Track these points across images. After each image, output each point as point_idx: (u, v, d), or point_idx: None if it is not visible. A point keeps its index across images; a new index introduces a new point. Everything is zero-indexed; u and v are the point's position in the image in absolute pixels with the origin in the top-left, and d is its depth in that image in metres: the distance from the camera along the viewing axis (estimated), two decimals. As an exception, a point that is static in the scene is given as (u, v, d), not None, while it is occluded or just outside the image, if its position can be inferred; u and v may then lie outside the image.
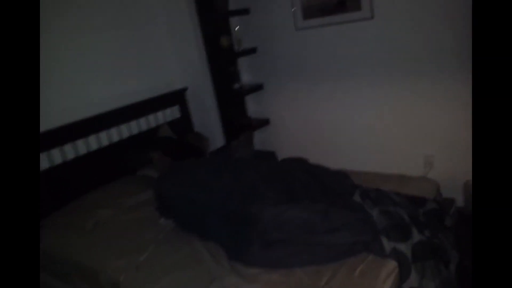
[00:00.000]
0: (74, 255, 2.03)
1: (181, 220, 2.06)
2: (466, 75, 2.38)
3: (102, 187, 2.59)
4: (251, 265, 1.60)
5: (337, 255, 1.53)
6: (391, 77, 2.82)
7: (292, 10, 3.07)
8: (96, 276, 1.86)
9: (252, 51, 3.37)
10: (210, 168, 2.23)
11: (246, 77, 3.63)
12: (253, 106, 3.73)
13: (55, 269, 2.18)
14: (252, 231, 1.67)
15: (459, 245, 1.57)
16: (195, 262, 1.71)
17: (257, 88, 3.52)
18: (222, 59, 3.30)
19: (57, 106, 2.53)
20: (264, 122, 3.65)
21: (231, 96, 3.45)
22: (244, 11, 3.24)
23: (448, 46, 2.50)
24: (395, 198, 1.72)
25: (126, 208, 2.36)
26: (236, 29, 3.34)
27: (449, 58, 2.53)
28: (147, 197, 2.48)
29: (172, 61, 3.34)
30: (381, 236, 1.51)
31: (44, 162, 2.45)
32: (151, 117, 3.13)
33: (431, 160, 2.81)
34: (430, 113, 2.73)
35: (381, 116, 2.96)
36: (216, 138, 3.60)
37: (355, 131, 3.13)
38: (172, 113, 3.30)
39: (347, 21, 2.88)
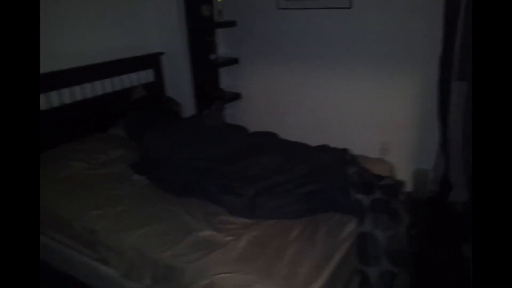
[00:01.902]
0: (47, 204, 2.05)
1: (157, 177, 2.15)
2: (430, 72, 2.64)
3: (75, 141, 2.59)
4: (237, 215, 1.77)
5: (310, 209, 1.73)
6: (361, 65, 3.01)
7: (276, -12, 3.16)
8: (69, 225, 1.92)
9: (232, 23, 3.43)
10: (192, 131, 2.33)
11: (223, 49, 3.69)
12: (226, 79, 3.80)
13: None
14: (237, 186, 1.84)
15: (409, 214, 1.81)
16: (171, 216, 1.82)
17: (232, 61, 3.60)
18: (201, 28, 3.33)
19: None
20: (236, 96, 3.74)
21: (206, 66, 3.50)
22: (229, -17, 3.28)
23: (417, 44, 2.72)
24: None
25: (99, 163, 2.40)
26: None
27: (417, 54, 2.74)
28: (119, 155, 2.53)
29: (151, 24, 3.32)
30: (349, 188, 1.74)
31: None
32: (125, 78, 3.13)
33: (387, 147, 3.06)
34: (392, 103, 2.96)
35: (347, 100, 3.16)
36: (186, 105, 3.65)
37: (322, 112, 3.32)
38: (146, 75, 3.31)
39: (326, 7, 3.01)
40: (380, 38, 2.87)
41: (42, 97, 2.55)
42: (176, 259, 1.54)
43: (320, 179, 1.88)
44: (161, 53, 3.37)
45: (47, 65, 2.56)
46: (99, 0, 2.89)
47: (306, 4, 3.10)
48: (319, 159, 2.02)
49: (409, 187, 2.95)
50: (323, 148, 2.25)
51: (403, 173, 2.97)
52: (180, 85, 3.52)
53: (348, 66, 3.08)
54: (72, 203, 2.00)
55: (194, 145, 2.29)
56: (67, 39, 2.72)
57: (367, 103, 3.07)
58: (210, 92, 3.58)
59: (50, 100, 2.59)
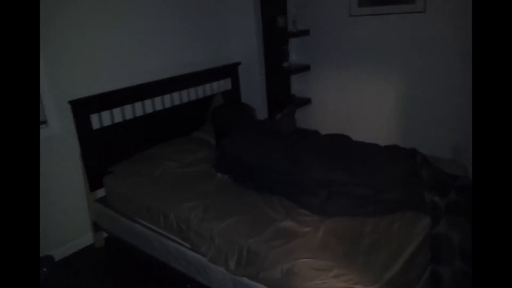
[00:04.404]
0: (145, 197, 2.37)
1: (239, 176, 2.37)
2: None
3: (165, 143, 2.92)
4: (314, 213, 1.91)
5: (385, 210, 1.83)
6: (433, 68, 3.02)
7: (348, -3, 3.28)
8: (166, 215, 2.20)
9: (305, 33, 3.60)
10: (267, 134, 2.53)
11: (295, 57, 3.87)
12: (297, 85, 3.98)
13: (123, 209, 2.54)
14: (312, 186, 1.99)
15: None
16: (254, 208, 2.02)
17: (304, 68, 3.76)
18: (276, 38, 3.55)
19: (131, 68, 2.87)
20: (306, 101, 3.90)
21: (279, 74, 3.71)
22: (303, -5, 3.47)
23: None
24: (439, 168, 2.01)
25: (187, 163, 2.69)
26: (292, 10, 3.56)
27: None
28: (203, 156, 2.80)
29: (231, 36, 3.60)
30: (425, 190, 1.79)
31: (117, 116, 2.79)
32: (207, 86, 3.43)
33: (461, 149, 3.02)
34: (466, 103, 2.92)
35: (418, 101, 3.17)
36: (259, 110, 3.87)
37: (391, 113, 3.36)
38: (225, 84, 3.59)
39: (399, 12, 3.07)
40: (455, 41, 2.86)
41: (139, 105, 2.92)
42: (261, 245, 1.73)
43: (396, 186, 1.95)
44: (239, 63, 3.63)
45: (142, 77, 2.93)
46: (188, 20, 3.23)
47: (378, 10, 3.19)
48: (394, 166, 2.08)
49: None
50: (394, 148, 2.32)
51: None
52: (254, 92, 3.75)
53: (419, 69, 3.10)
54: (168, 196, 2.29)
55: (270, 147, 2.47)
56: (164, 53, 3.09)
57: (440, 104, 3.07)
58: (282, 98, 3.77)
59: (144, 107, 2.95)
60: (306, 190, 2.03)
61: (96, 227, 2.82)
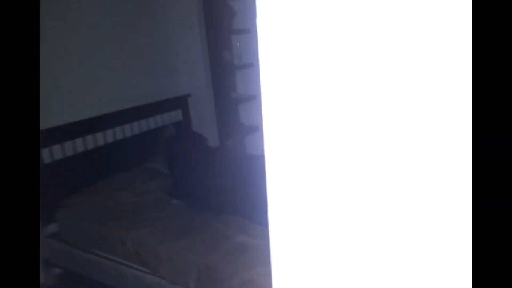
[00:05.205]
0: (100, 227, 2.39)
1: (194, 200, 2.48)
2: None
3: (118, 174, 2.96)
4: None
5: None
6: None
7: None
8: (120, 243, 2.24)
9: (249, 65, 3.86)
10: (216, 160, 2.69)
11: (242, 88, 4.10)
12: (245, 114, 4.19)
13: (77, 242, 2.53)
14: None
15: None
16: (210, 228, 2.13)
17: (250, 98, 4.00)
18: (223, 71, 3.77)
19: (83, 100, 2.93)
20: (254, 129, 4.11)
21: (227, 104, 3.91)
22: (246, 31, 3.74)
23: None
24: None
25: (141, 192, 2.75)
26: (237, 45, 3.82)
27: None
28: (157, 184, 2.88)
29: (180, 69, 3.77)
30: None
31: (69, 150, 2.81)
32: (158, 118, 3.54)
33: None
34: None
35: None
36: (210, 139, 4.02)
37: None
38: (176, 115, 3.72)
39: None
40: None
41: (90, 138, 2.96)
42: (219, 260, 1.84)
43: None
44: (188, 95, 3.79)
45: (92, 110, 2.99)
46: (133, 51, 3.36)
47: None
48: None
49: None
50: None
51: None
52: (204, 121, 3.91)
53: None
54: (123, 224, 2.33)
55: (223, 171, 2.63)
56: (113, 85, 3.17)
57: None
58: (231, 126, 3.96)
59: (96, 140, 2.99)
60: (260, 207, 2.17)
61: (47, 264, 2.75)
